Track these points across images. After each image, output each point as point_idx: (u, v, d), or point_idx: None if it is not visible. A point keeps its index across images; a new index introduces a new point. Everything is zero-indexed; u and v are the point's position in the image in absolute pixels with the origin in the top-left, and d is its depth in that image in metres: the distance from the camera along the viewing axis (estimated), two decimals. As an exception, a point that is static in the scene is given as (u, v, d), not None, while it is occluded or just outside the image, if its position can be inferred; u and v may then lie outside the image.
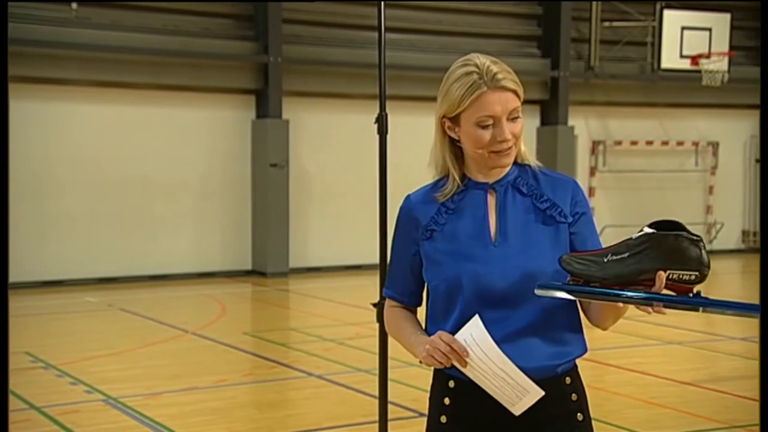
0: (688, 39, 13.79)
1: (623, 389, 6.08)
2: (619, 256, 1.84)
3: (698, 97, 14.52)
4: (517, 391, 1.94)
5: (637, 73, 14.31)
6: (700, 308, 1.81)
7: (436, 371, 2.12)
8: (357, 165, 12.65)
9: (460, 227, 2.05)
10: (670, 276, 1.82)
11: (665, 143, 14.72)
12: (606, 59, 13.95)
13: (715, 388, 6.13)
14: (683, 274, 1.82)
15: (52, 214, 11.02)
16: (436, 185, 2.11)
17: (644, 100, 14.47)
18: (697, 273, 1.83)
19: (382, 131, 3.15)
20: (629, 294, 1.83)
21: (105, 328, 8.84)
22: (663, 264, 1.82)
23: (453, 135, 2.06)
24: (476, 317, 1.94)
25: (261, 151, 12.10)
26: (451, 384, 2.05)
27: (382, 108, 3.15)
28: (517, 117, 2.00)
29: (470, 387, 2.02)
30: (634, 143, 14.46)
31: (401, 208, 2.15)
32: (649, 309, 1.82)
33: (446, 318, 2.03)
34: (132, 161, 11.62)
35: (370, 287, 11.20)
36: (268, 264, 12.09)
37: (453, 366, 1.98)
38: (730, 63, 13.93)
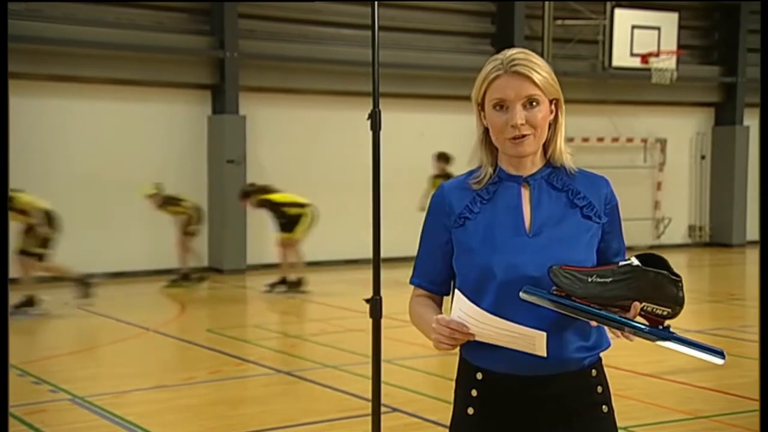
0: (638, 37, 14.08)
1: (589, 381, 6.16)
2: (602, 279, 1.96)
3: (647, 94, 14.82)
4: (527, 339, 1.95)
5: (588, 70, 14.54)
6: (659, 340, 1.95)
7: (461, 363, 2.14)
8: (314, 161, 12.62)
9: (494, 217, 2.07)
10: (645, 308, 1.96)
11: (615, 140, 15.00)
12: (558, 57, 14.13)
13: (676, 380, 6.27)
14: (657, 308, 1.97)
15: (3, 210, 10.76)
16: (470, 174, 2.14)
17: (595, 97, 14.71)
18: (669, 310, 1.98)
19: (375, 127, 3.15)
20: (604, 314, 1.95)
21: (63, 326, 8.69)
22: (640, 296, 1.95)
23: (484, 123, 2.10)
24: (457, 292, 1.98)
25: (217, 147, 12.00)
26: (479, 376, 2.08)
27: (376, 104, 3.16)
28: (536, 105, 2.03)
29: (498, 379, 2.05)
30: (585, 140, 14.69)
31: (433, 196, 2.16)
32: (619, 333, 1.95)
33: None
34: (85, 157, 11.42)
35: (329, 284, 11.23)
36: (224, 261, 12.01)
37: (475, 354, 2.04)
38: (678, 61, 14.25)
